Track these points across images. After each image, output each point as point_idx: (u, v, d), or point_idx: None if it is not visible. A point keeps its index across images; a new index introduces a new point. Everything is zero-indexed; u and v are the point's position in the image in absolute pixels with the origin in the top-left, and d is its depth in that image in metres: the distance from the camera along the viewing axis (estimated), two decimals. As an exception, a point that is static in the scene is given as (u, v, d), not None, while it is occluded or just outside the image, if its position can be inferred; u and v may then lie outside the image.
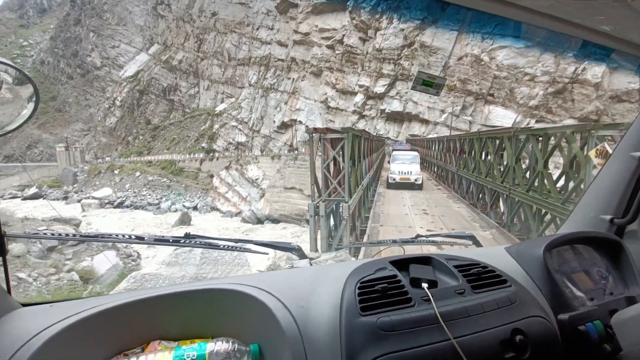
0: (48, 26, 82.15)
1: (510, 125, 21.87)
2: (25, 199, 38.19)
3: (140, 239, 1.13)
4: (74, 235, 1.20)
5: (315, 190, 8.57)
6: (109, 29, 68.67)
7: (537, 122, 23.22)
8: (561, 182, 7.17)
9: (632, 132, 1.24)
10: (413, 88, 1.26)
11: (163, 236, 1.15)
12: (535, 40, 1.02)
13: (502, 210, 9.65)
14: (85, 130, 64.48)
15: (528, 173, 8.19)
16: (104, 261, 5.57)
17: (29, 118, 0.78)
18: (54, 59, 72.80)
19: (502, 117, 25.33)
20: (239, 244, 1.19)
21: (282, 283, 0.88)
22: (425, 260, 0.95)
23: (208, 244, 1.14)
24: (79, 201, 38.74)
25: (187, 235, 1.13)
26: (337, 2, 32.20)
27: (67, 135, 59.45)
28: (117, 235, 1.16)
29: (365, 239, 7.79)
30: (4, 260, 0.82)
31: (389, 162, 17.82)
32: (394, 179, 14.88)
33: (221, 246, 1.15)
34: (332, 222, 9.20)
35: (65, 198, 41.47)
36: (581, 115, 21.87)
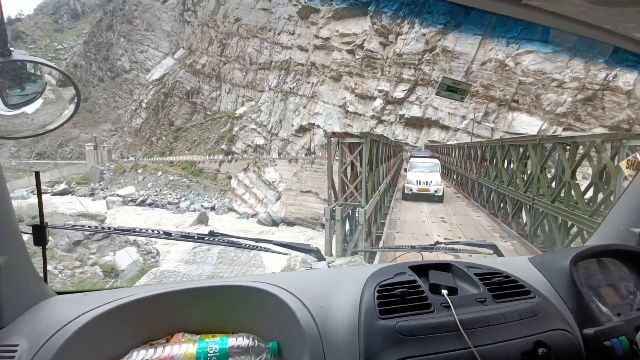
0: (81, 31, 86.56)
1: (535, 133, 21.11)
2: (54, 194, 40.08)
3: (167, 235, 1.18)
4: (108, 228, 1.25)
5: (332, 194, 8.56)
6: (139, 34, 71.71)
7: (564, 130, 22.31)
8: (589, 194, 6.86)
9: None
10: (437, 94, 1.26)
11: (189, 233, 1.19)
12: (564, 45, 0.99)
13: (524, 220, 9.30)
14: (113, 130, 67.34)
15: (554, 183, 7.89)
16: (125, 257, 5.78)
17: (69, 118, 0.82)
18: (86, 62, 76.62)
19: (527, 124, 24.50)
20: (259, 244, 1.21)
21: (302, 283, 0.89)
22: (445, 267, 0.94)
23: (231, 242, 1.17)
24: (104, 198, 40.31)
25: (211, 233, 1.17)
26: (359, 7, 32.26)
27: (96, 135, 62.24)
28: (146, 230, 1.22)
29: (381, 244, 7.69)
30: (44, 250, 0.86)
31: (405, 169, 16.51)
32: (411, 190, 13.41)
33: (243, 245, 1.19)
34: (347, 227, 9.14)
35: (92, 195, 43.27)
36: (612, 123, 20.84)
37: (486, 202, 12.26)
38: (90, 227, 1.34)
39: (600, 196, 6.29)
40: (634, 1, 0.61)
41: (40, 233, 0.82)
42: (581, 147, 6.69)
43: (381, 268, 0.93)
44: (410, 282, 0.85)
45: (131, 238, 8.41)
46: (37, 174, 0.92)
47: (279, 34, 47.39)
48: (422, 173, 13.88)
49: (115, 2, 73.68)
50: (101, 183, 47.58)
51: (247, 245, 1.19)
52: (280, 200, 31.92)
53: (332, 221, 7.87)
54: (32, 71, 0.80)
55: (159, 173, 44.99)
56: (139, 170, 46.95)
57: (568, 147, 7.02)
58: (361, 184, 8.83)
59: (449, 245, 1.49)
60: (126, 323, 0.77)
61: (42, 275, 0.84)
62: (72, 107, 0.82)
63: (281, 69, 46.30)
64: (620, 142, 5.63)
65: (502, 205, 10.82)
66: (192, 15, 63.38)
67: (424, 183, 13.36)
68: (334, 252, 7.86)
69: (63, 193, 41.16)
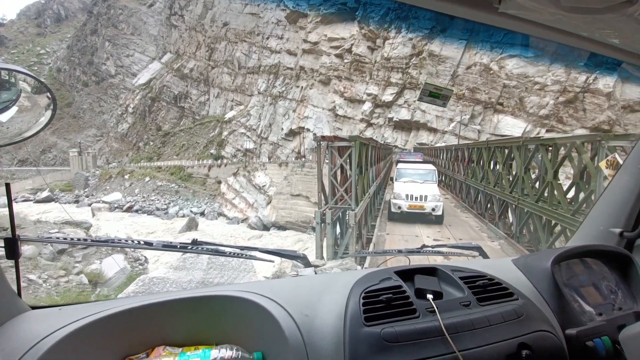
0: (65, 35, 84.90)
1: (519, 135, 21.65)
2: (37, 201, 39.02)
3: (148, 245, 1.14)
4: (85, 239, 1.22)
5: (322, 197, 8.58)
6: (124, 38, 70.68)
7: (547, 131, 22.94)
8: (572, 193, 7.06)
9: None
10: (420, 99, 1.26)
11: (171, 242, 1.16)
12: (546, 50, 1.02)
13: (510, 220, 9.51)
14: (98, 136, 65.95)
15: (537, 183, 8.09)
16: (112, 264, 5.63)
17: (45, 125, 0.80)
18: (70, 66, 75.04)
19: (512, 126, 25.10)
20: (244, 251, 1.19)
21: (286, 291, 0.88)
22: (430, 271, 0.94)
23: (215, 250, 1.14)
24: (89, 205, 39.37)
25: (195, 242, 1.14)
26: (347, 12, 32.60)
27: (80, 141, 60.87)
28: (126, 241, 1.19)
29: (371, 247, 7.75)
30: (17, 264, 0.83)
31: (392, 178, 13.30)
32: (399, 207, 10.21)
33: (227, 253, 1.16)
34: (338, 230, 9.16)
35: (77, 202, 42.25)
36: (593, 125, 21.53)
37: (474, 202, 12.48)
38: (65, 239, 1.29)
39: (581, 195, 6.49)
40: (609, 9, 0.61)
41: (11, 246, 0.80)
42: (563, 148, 6.89)
43: (367, 274, 0.92)
44: (396, 288, 0.84)
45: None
46: (7, 185, 0.89)
47: (267, 38, 47.43)
48: (415, 184, 10.63)
49: (100, 6, 72.54)
50: (86, 190, 46.49)
51: (231, 254, 1.17)
52: (270, 204, 31.76)
53: (322, 224, 7.86)
54: (7, 78, 0.78)
55: (147, 179, 44.21)
56: (126, 176, 46.05)
57: (550, 148, 7.22)
58: (351, 187, 8.88)
59: (436, 249, 1.50)
60: (103, 338, 0.75)
61: (15, 289, 0.81)
62: (48, 113, 0.81)
63: (270, 73, 46.28)
64: (599, 143, 5.84)
65: (489, 205, 11.04)
66: (179, 20, 62.87)
67: (416, 198, 10.16)
68: (325, 255, 7.86)
69: (46, 200, 40.05)
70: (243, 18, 51.23)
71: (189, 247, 1.12)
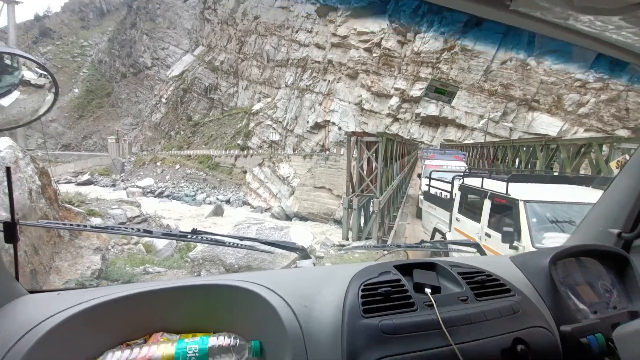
0: (107, 28, 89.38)
1: (555, 134, 20.73)
2: (78, 184, 41.79)
3: (148, 232, 1.14)
4: (85, 225, 1.28)
5: (350, 186, 9.07)
6: (160, 31, 73.61)
7: (585, 131, 21.77)
8: None
9: None
10: (425, 95, 1.34)
11: (170, 231, 1.18)
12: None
13: None
14: (134, 124, 69.50)
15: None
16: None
17: (49, 109, 0.81)
18: (110, 58, 79.22)
19: (547, 124, 24.01)
20: (244, 242, 1.17)
21: (286, 282, 0.88)
22: (429, 266, 0.95)
23: (213, 240, 1.12)
24: (124, 189, 41.76)
25: (194, 231, 1.12)
26: (377, 5, 32.19)
27: (118, 129, 64.42)
28: (125, 228, 1.20)
29: (392, 235, 7.92)
30: (15, 248, 0.83)
31: (419, 175, 11.86)
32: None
33: (227, 243, 1.14)
34: (362, 220, 9.52)
35: (113, 185, 44.91)
36: (636, 125, 20.22)
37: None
38: (64, 224, 1.23)
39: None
40: (620, 10, 0.62)
41: (11, 230, 0.80)
42: (582, 148, 6.94)
43: (366, 267, 0.93)
44: (395, 281, 0.85)
45: (164, 222, 8.93)
46: (7, 169, 0.89)
47: (296, 31, 47.74)
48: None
49: (139, 0, 75.77)
50: (122, 175, 49.31)
51: (230, 244, 1.15)
52: (293, 195, 32.35)
53: (349, 209, 8.30)
54: (9, 63, 0.78)
55: (177, 166, 46.24)
56: (158, 163, 48.39)
57: (570, 149, 7.31)
58: (376, 178, 9.20)
59: (434, 245, 1.50)
60: (101, 323, 0.75)
61: (13, 273, 0.82)
62: (50, 97, 0.81)
63: (298, 67, 46.65)
64: (611, 144, 5.88)
65: None
66: (212, 14, 64.52)
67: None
68: (350, 237, 8.26)
69: (86, 183, 42.95)
70: (274, 12, 51.80)
71: (189, 236, 1.11)
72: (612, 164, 4.98)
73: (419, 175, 11.04)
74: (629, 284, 1.04)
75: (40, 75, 0.81)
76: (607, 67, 1.08)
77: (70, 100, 73.69)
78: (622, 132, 18.86)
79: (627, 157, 4.61)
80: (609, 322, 0.89)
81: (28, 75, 0.80)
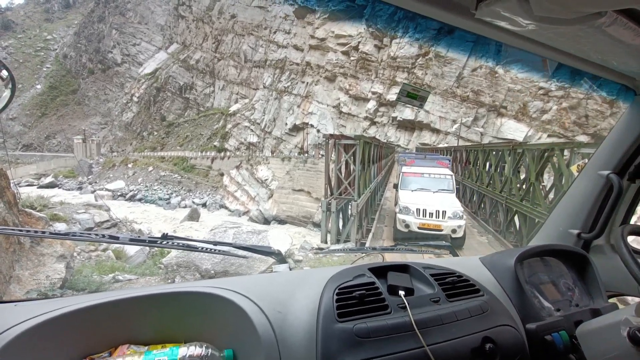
0: (72, 21, 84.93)
1: (521, 139, 21.89)
2: (41, 187, 39.28)
3: (114, 239, 1.08)
4: (43, 232, 1.17)
5: (328, 189, 9.11)
6: (131, 27, 70.78)
7: (549, 136, 23.15)
8: (553, 194, 7.75)
9: (600, 151, 1.28)
10: (397, 99, 1.28)
11: (139, 236, 1.12)
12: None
13: (500, 218, 10.06)
14: (103, 124, 66.28)
15: (525, 184, 8.72)
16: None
17: (9, 101, 0.78)
18: (76, 53, 75.20)
19: (514, 130, 25.29)
20: (217, 247, 1.13)
21: (260, 287, 0.86)
22: (403, 268, 0.97)
23: (186, 245, 1.08)
24: (92, 192, 39.69)
25: (165, 236, 1.07)
26: (355, 9, 32.58)
27: (85, 128, 61.22)
28: (89, 234, 1.14)
29: (370, 237, 8.06)
30: None
31: (395, 185, 10.17)
32: (407, 225, 7.74)
33: (199, 248, 1.10)
34: (340, 223, 9.62)
35: (80, 188, 42.60)
36: (595, 131, 21.75)
37: (469, 201, 12.99)
38: (21, 230, 1.13)
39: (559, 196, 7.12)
40: (578, 20, 0.63)
41: None
42: (546, 153, 7.47)
43: (341, 270, 0.93)
44: (369, 284, 0.86)
45: (136, 227, 8.56)
46: None
47: (274, 32, 47.49)
48: (427, 194, 8.24)
49: (108, -7, 72.64)
50: (89, 177, 46.91)
51: (203, 249, 1.11)
52: (272, 198, 32.08)
53: (328, 212, 8.31)
54: None
55: (150, 168, 44.58)
56: (129, 165, 46.44)
57: (536, 154, 7.87)
58: (354, 181, 9.30)
59: (409, 246, 1.54)
60: (62, 336, 0.70)
61: None
62: (7, 93, 0.78)
63: (276, 68, 46.40)
64: (572, 149, 6.42)
65: (482, 204, 11.60)
66: (187, 10, 62.90)
67: (431, 215, 7.69)
68: (328, 240, 8.28)
69: (50, 186, 40.45)
70: (251, 11, 51.27)
71: (158, 242, 1.06)
72: (573, 168, 5.37)
73: (395, 186, 9.40)
74: (590, 282, 1.08)
75: None
76: (568, 76, 1.13)
77: (32, 97, 69.19)
78: (582, 138, 20.23)
79: (587, 161, 4.98)
80: (572, 320, 0.93)
81: None
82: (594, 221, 1.24)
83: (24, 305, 0.75)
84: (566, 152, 7.02)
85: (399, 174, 9.57)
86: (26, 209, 4.54)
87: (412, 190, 8.41)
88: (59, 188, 40.97)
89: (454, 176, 9.10)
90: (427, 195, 8.14)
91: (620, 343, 0.73)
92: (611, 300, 1.08)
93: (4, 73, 0.77)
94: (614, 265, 1.15)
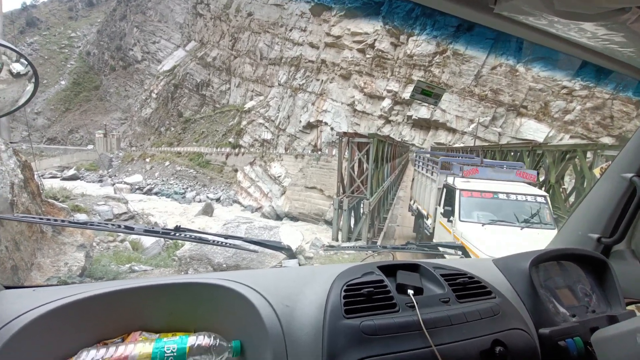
0: (95, 20, 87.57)
1: (542, 140, 21.21)
2: (64, 179, 40.80)
3: (129, 229, 1.11)
4: (63, 220, 1.17)
5: (341, 187, 9.11)
6: (151, 25, 72.44)
7: (571, 138, 22.33)
8: (573, 198, 7.40)
9: (624, 154, 1.24)
10: (412, 96, 1.25)
11: (153, 227, 1.16)
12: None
13: None
14: (123, 119, 68.25)
15: (544, 187, 8.43)
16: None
17: (29, 99, 0.80)
18: (99, 51, 77.59)
19: (534, 130, 24.53)
20: (228, 240, 1.16)
21: (269, 281, 0.87)
22: (413, 267, 0.96)
23: (198, 238, 1.11)
24: (112, 185, 40.94)
25: (177, 228, 1.09)
26: (371, 6, 32.28)
27: (106, 123, 63.20)
28: (106, 224, 1.17)
29: (381, 236, 8.01)
30: None
31: (446, 213, 6.00)
32: None
33: (211, 241, 1.12)
34: (352, 221, 9.60)
35: (100, 181, 44.03)
36: (620, 133, 20.85)
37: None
38: (42, 218, 1.12)
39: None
40: (601, 16, 0.62)
41: None
42: (568, 154, 7.13)
43: (350, 267, 0.93)
44: (378, 282, 0.85)
45: (151, 220, 8.82)
46: None
47: (290, 30, 47.58)
48: (507, 231, 5.08)
49: (130, -8, 74.43)
50: (109, 170, 48.42)
51: (215, 242, 1.13)
52: (285, 195, 32.26)
53: (339, 210, 8.33)
54: None
55: (167, 163, 45.62)
56: (147, 160, 47.65)
57: (555, 155, 7.53)
58: (367, 180, 9.24)
59: (420, 246, 1.51)
60: (77, 321, 0.73)
61: None
62: (30, 87, 0.79)
63: (291, 65, 46.52)
64: (595, 151, 6.06)
65: None
66: (205, 8, 63.81)
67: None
68: (339, 237, 8.29)
69: (72, 178, 41.99)
70: (268, 9, 51.52)
71: (171, 234, 1.08)
72: (596, 171, 5.12)
73: (447, 213, 5.76)
74: (608, 288, 1.05)
75: (20, 64, 0.78)
76: (593, 75, 1.08)
77: (56, 93, 71.87)
78: (607, 140, 19.41)
79: (610, 163, 4.76)
80: (588, 326, 0.90)
81: (7, 64, 0.77)
82: (615, 225, 1.20)
83: (42, 290, 0.79)
84: (589, 154, 6.73)
85: (441, 192, 6.55)
86: (49, 200, 4.72)
87: (483, 224, 5.17)
88: (81, 180, 42.45)
89: (548, 197, 5.87)
90: (510, 233, 4.90)
91: (636, 351, 0.70)
92: (629, 308, 1.05)
93: (27, 68, 0.78)
94: (634, 272, 1.12)
